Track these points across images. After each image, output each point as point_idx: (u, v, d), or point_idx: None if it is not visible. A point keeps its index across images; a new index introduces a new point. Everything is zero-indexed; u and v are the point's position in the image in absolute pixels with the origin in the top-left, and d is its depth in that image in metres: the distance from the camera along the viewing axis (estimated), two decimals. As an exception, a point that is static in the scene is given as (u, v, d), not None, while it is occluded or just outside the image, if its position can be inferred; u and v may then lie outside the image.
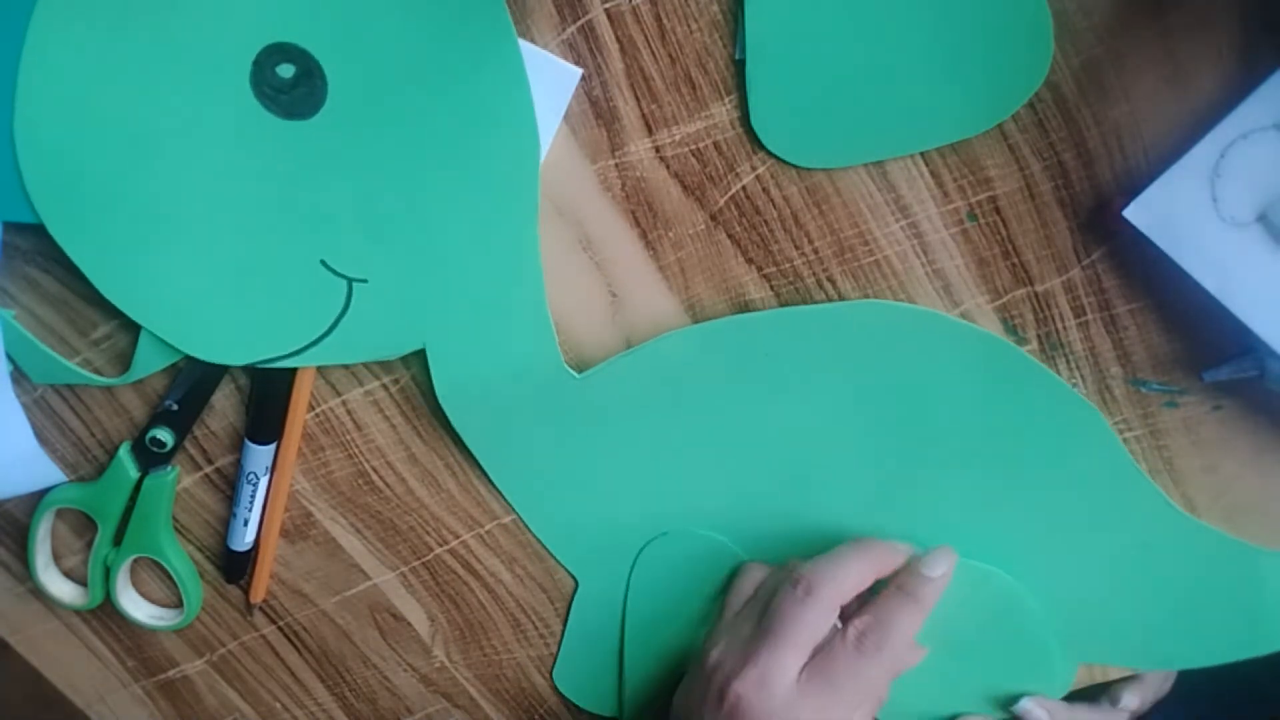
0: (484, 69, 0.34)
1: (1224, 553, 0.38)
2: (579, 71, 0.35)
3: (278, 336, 0.38)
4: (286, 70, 0.34)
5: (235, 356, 0.38)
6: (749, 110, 0.35)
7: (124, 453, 0.41)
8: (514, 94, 0.35)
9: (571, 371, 0.38)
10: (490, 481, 0.42)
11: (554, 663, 0.46)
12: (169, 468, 0.42)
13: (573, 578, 0.44)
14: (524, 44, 0.34)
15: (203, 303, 0.37)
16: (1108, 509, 0.38)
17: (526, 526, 0.42)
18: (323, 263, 0.36)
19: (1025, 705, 0.40)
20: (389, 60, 0.34)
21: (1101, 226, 0.36)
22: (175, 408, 0.40)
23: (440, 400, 0.39)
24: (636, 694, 0.45)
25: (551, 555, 0.43)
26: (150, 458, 0.41)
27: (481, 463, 0.41)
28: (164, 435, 0.40)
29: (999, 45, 0.33)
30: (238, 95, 0.34)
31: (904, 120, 0.34)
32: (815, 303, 0.38)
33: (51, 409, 0.41)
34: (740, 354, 0.38)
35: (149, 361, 0.38)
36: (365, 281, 0.37)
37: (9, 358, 0.38)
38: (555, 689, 0.47)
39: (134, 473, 0.41)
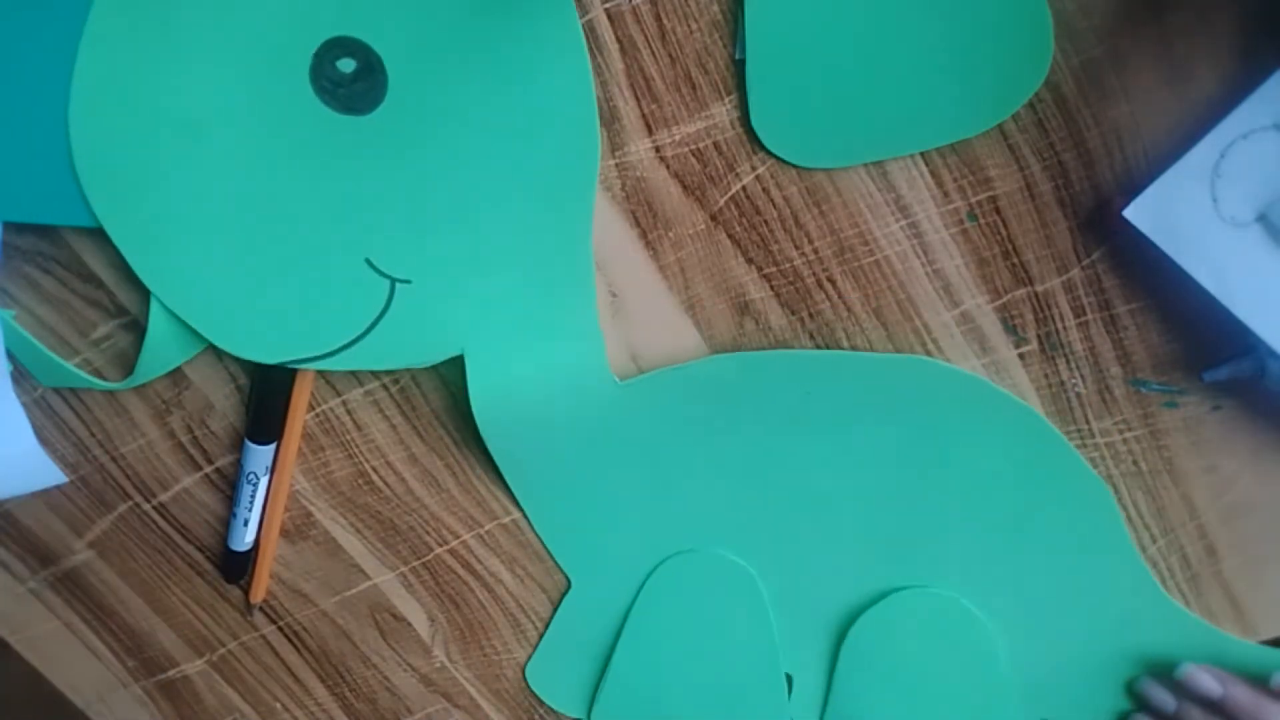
0: (548, 67, 0.34)
1: (1197, 638, 0.40)
2: (579, 71, 0.35)
3: (314, 336, 0.37)
4: (347, 65, 0.33)
5: (268, 354, 0.37)
6: (749, 110, 0.35)
7: None
8: (577, 92, 0.34)
9: (615, 379, 0.38)
10: (491, 480, 0.42)
11: (528, 658, 0.46)
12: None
13: (566, 578, 0.44)
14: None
15: (242, 296, 0.36)
16: (1099, 581, 0.40)
17: (528, 521, 0.42)
18: (368, 261, 0.36)
19: (1190, 670, 0.40)
20: (451, 57, 0.33)
21: (1101, 226, 0.36)
22: None
23: (474, 407, 0.38)
24: (614, 701, 0.45)
25: (549, 554, 0.43)
26: None
27: (495, 456, 0.40)
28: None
29: (999, 45, 0.33)
30: (296, 88, 0.33)
31: (904, 120, 0.34)
32: (815, 303, 0.38)
33: (51, 409, 0.41)
34: (782, 387, 0.38)
35: (152, 366, 0.38)
36: (409, 283, 0.36)
37: (10, 358, 0.38)
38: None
39: None
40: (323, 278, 0.36)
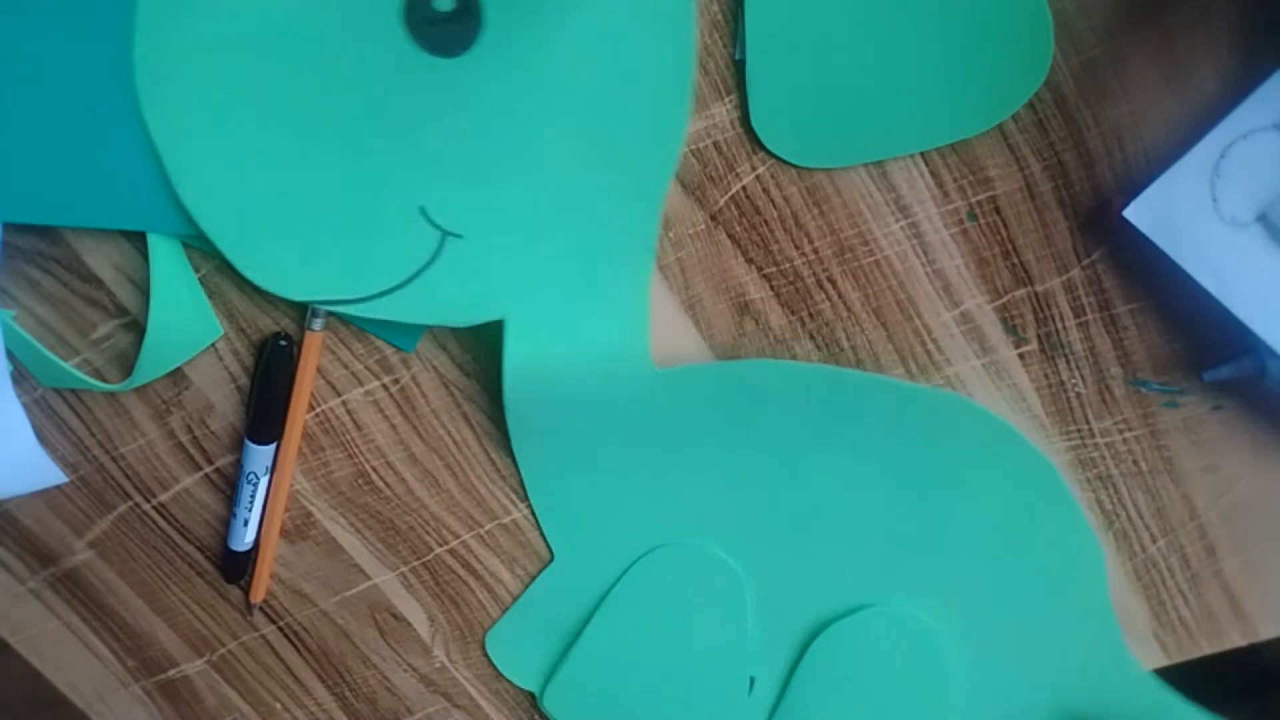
0: (650, 26, 0.32)
1: (1159, 704, 0.42)
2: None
3: (350, 278, 0.35)
4: (445, 3, 0.32)
5: (298, 291, 0.36)
6: (749, 110, 0.35)
7: None
8: (676, 58, 0.33)
9: (654, 366, 0.37)
10: (491, 480, 0.42)
11: (490, 626, 0.46)
12: None
13: (549, 550, 0.44)
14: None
15: (281, 227, 0.34)
16: (1071, 630, 0.41)
17: (523, 487, 0.42)
18: (421, 210, 0.34)
19: None
20: (551, 7, 0.32)
21: (1101, 226, 0.36)
22: None
23: (505, 376, 0.37)
24: (571, 679, 0.45)
25: (537, 525, 0.43)
26: None
27: (509, 422, 0.39)
28: None
29: (999, 45, 0.33)
30: (386, 18, 0.32)
31: (904, 120, 0.34)
32: (815, 303, 0.38)
33: (51, 409, 0.41)
34: (813, 402, 0.38)
35: (151, 367, 0.38)
36: (460, 237, 0.35)
37: (10, 358, 0.38)
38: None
39: None
40: (370, 220, 0.34)
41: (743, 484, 0.40)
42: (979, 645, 0.42)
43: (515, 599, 0.45)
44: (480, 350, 0.39)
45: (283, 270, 0.35)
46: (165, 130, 0.33)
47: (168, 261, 0.36)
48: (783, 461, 0.40)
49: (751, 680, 0.44)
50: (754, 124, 0.35)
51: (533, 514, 0.43)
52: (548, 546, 0.43)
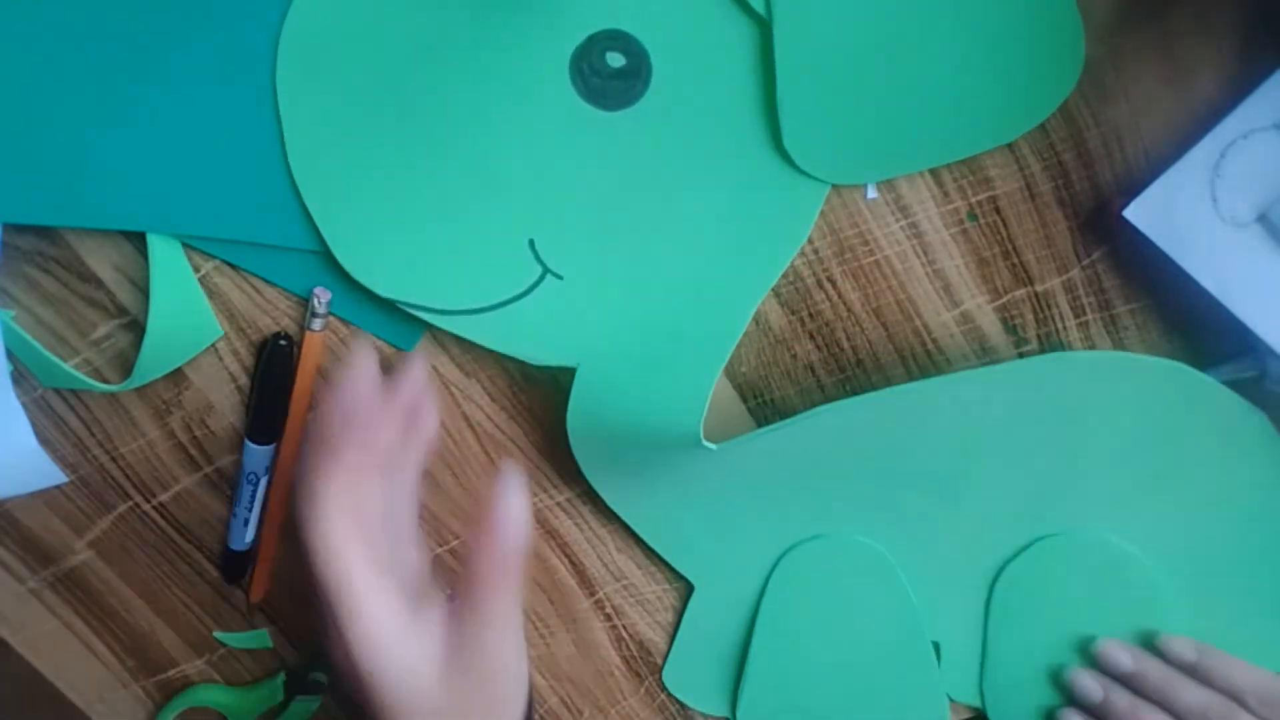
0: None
1: None
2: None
3: (443, 289, 0.36)
4: (616, 59, 0.32)
5: (389, 288, 0.36)
6: (782, 134, 0.35)
7: (279, 682, 0.46)
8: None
9: (709, 445, 0.37)
10: (494, 476, 0.42)
11: (662, 664, 0.46)
12: (316, 696, 0.47)
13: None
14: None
15: (391, 226, 0.35)
16: (1256, 495, 0.38)
17: (640, 539, 0.42)
18: (530, 242, 0.35)
19: (1103, 645, 0.40)
20: (719, 87, 0.33)
21: (1101, 226, 0.36)
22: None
23: (568, 425, 0.38)
24: (759, 695, 0.45)
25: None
26: (303, 688, 0.46)
27: (597, 489, 0.40)
28: (321, 677, 0.46)
29: (1030, 57, 0.33)
30: (553, 64, 0.33)
31: (931, 137, 0.34)
32: (815, 303, 0.38)
33: (52, 409, 0.41)
34: (884, 425, 0.38)
35: (151, 367, 0.38)
36: (560, 278, 0.35)
37: (10, 358, 0.38)
38: (555, 689, 0.47)
39: (282, 695, 0.47)
40: (480, 239, 0.35)
41: (853, 472, 0.40)
42: (1163, 540, 0.40)
43: (674, 633, 0.45)
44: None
45: (379, 266, 0.36)
46: (295, 120, 0.34)
47: (168, 261, 0.36)
48: (885, 445, 0.39)
49: (937, 646, 0.43)
50: (786, 146, 0.34)
51: (538, 512, 0.43)
52: (683, 578, 0.44)
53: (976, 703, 0.44)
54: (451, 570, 0.44)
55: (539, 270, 0.35)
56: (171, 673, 0.47)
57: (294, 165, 0.34)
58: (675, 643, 0.45)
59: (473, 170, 0.34)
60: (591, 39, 0.32)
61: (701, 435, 0.36)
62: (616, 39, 0.32)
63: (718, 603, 0.44)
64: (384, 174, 0.34)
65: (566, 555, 0.44)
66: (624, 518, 0.42)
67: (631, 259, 0.35)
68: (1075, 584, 0.40)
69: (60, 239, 0.37)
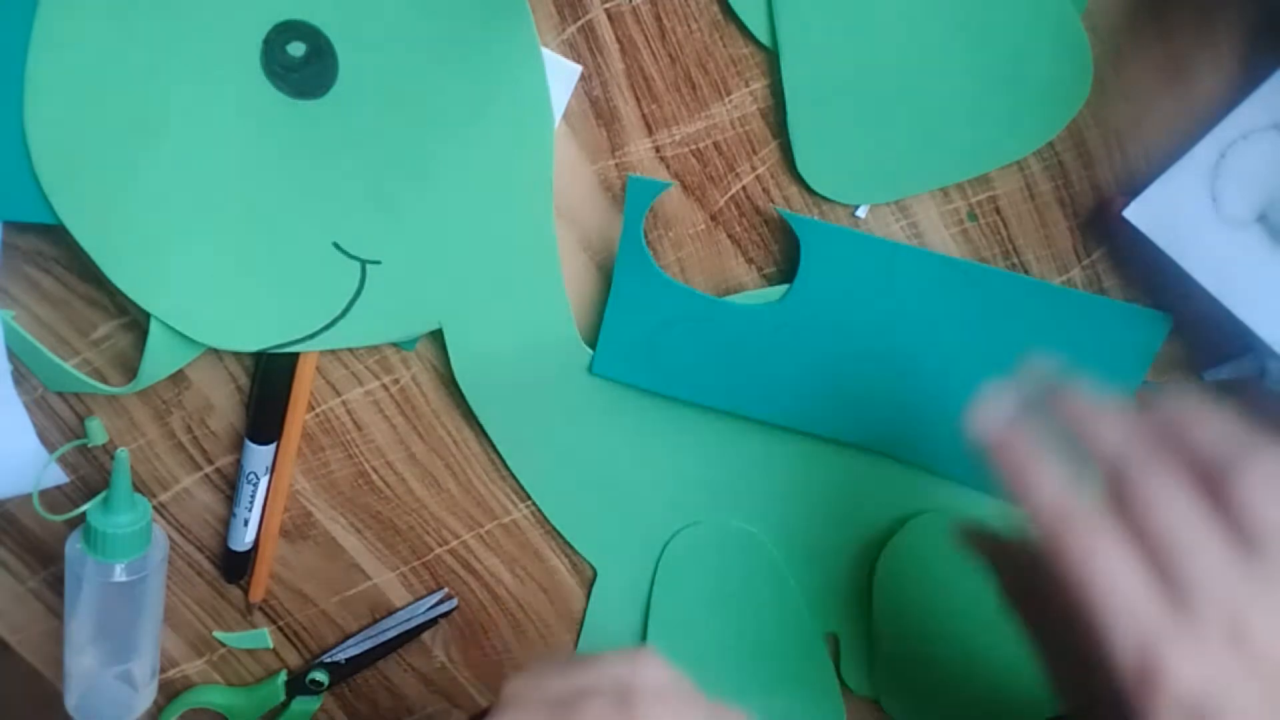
0: (497, 40, 0.34)
1: None
2: (578, 69, 0.35)
3: (292, 321, 0.37)
4: (297, 49, 0.33)
5: (248, 343, 0.37)
6: (794, 157, 0.35)
7: (280, 682, 0.46)
8: (527, 64, 0.34)
9: (586, 347, 0.38)
10: (491, 480, 0.42)
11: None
12: (317, 696, 0.47)
13: (591, 567, 0.44)
14: (524, 44, 0.34)
15: (214, 289, 0.36)
16: None
17: (544, 515, 0.42)
18: (335, 245, 0.36)
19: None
20: (400, 36, 0.33)
21: (1101, 226, 0.36)
22: (343, 662, 0.46)
23: (459, 381, 0.39)
24: None
25: (571, 546, 0.43)
26: (303, 688, 0.46)
27: (499, 448, 0.41)
28: (321, 677, 0.46)
29: (1038, 78, 0.33)
30: (247, 74, 0.34)
31: (941, 156, 0.35)
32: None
33: (52, 409, 0.41)
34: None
35: (155, 370, 0.38)
36: (378, 263, 0.37)
37: (11, 358, 0.38)
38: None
39: (283, 696, 0.47)
40: (295, 263, 0.36)
41: (732, 433, 0.40)
42: None
43: (582, 620, 0.45)
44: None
45: (231, 326, 0.37)
46: (82, 227, 0.35)
47: (167, 262, 0.37)
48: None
49: (836, 639, 0.43)
50: (799, 169, 0.35)
51: (537, 513, 0.43)
52: (587, 562, 0.44)
53: (872, 693, 0.44)
54: (451, 570, 0.44)
55: (358, 265, 0.37)
56: (171, 673, 0.47)
57: (113, 277, 0.36)
58: (582, 632, 0.45)
59: (248, 208, 0.35)
60: (267, 41, 0.33)
61: (579, 338, 0.38)
62: (285, 30, 0.33)
63: (617, 588, 0.44)
64: (181, 248, 0.36)
65: (567, 555, 0.44)
66: (529, 492, 0.42)
67: (421, 217, 0.36)
68: (949, 562, 0.40)
69: (60, 239, 0.37)
